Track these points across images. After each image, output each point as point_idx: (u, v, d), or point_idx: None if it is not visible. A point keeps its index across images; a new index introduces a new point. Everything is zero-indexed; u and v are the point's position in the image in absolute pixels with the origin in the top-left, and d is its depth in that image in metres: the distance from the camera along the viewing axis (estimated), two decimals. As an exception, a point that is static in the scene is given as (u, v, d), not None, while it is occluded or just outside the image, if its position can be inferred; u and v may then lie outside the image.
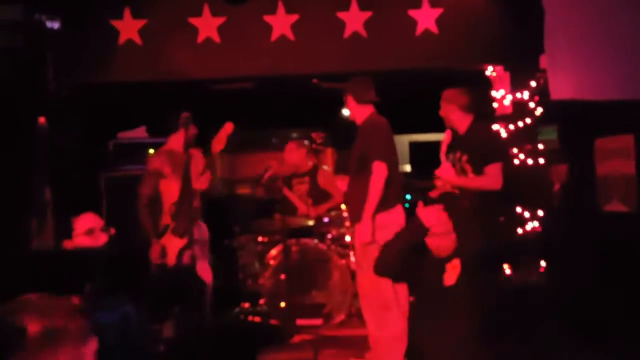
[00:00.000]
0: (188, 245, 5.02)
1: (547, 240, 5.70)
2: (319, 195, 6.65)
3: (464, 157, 4.85)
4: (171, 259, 5.06)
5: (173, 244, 5.08)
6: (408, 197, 5.02)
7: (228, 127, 5.04)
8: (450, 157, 4.95)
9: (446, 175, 4.87)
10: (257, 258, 6.76)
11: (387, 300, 4.69)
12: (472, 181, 4.79)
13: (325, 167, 7.35)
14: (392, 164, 4.78)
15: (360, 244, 4.76)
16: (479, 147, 4.83)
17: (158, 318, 5.44)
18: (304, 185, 6.79)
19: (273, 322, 6.20)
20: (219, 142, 5.03)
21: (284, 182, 6.69)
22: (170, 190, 5.12)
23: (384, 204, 4.71)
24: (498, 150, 4.98)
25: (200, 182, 5.09)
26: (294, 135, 10.13)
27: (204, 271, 5.31)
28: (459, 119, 5.02)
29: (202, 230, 5.37)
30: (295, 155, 6.74)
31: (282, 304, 6.13)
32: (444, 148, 5.05)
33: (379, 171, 4.67)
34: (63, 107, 5.64)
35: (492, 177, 4.75)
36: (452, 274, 3.72)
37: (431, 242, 3.73)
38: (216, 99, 6.97)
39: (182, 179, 5.07)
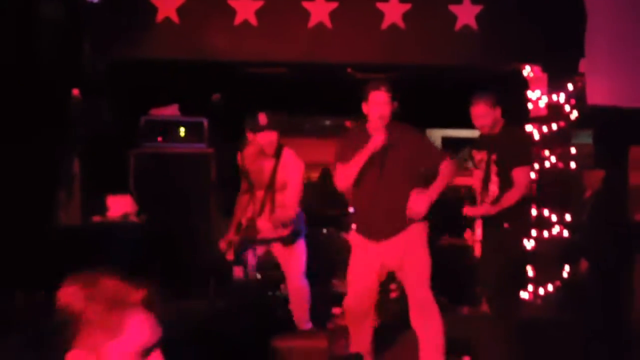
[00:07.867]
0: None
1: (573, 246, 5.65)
2: None
3: (493, 156, 4.80)
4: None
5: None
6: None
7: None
8: (477, 155, 4.90)
9: (477, 212, 4.87)
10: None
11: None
12: (504, 203, 4.64)
13: None
14: None
15: (415, 212, 4.34)
16: (508, 149, 4.77)
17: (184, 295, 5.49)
18: None
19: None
20: None
21: None
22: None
23: None
24: (527, 153, 4.91)
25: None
26: (327, 122, 10.15)
27: None
28: (489, 120, 4.96)
29: None
30: None
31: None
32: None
33: (450, 167, 4.42)
34: (98, 81, 5.69)
35: (518, 184, 4.66)
36: None
37: None
38: (249, 82, 6.96)
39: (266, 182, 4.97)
